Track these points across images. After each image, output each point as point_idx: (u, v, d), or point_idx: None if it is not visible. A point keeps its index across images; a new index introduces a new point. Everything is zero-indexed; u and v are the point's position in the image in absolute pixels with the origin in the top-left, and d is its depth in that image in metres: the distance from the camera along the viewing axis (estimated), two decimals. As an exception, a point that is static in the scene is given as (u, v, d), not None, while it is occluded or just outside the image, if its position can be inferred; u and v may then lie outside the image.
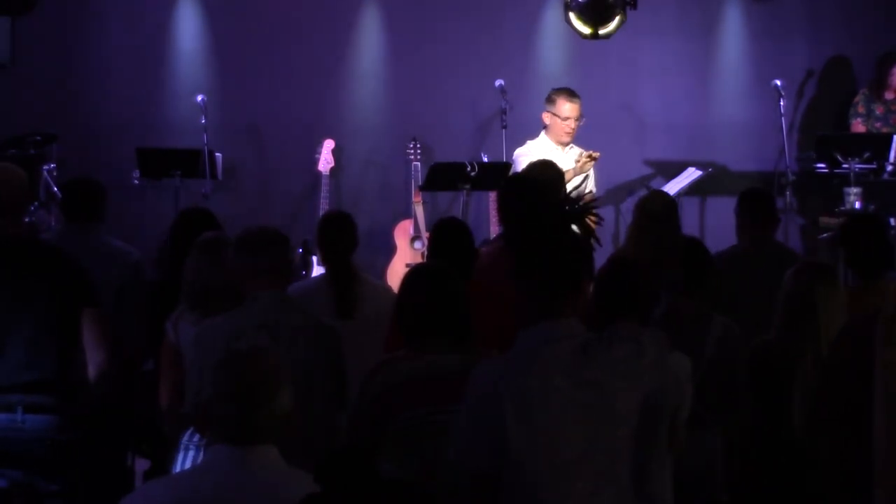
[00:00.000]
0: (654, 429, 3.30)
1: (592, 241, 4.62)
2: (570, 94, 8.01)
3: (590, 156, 7.75)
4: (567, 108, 7.94)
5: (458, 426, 3.19)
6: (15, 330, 4.38)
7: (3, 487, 4.35)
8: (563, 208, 3.29)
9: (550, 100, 8.03)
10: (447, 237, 5.00)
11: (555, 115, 7.96)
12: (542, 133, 8.03)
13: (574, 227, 4.49)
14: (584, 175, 7.81)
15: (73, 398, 4.46)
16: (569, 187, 6.51)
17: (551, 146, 7.92)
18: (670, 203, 6.04)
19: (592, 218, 4.71)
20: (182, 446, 4.47)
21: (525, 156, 7.77)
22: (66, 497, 4.41)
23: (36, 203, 7.54)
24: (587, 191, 7.51)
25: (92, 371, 4.52)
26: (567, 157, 7.79)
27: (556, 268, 3.20)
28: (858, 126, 9.15)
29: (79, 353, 4.50)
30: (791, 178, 8.71)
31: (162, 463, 4.91)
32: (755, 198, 6.04)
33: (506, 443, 3.09)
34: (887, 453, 2.95)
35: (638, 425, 3.23)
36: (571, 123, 7.93)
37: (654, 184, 9.14)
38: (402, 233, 8.77)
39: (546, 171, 5.92)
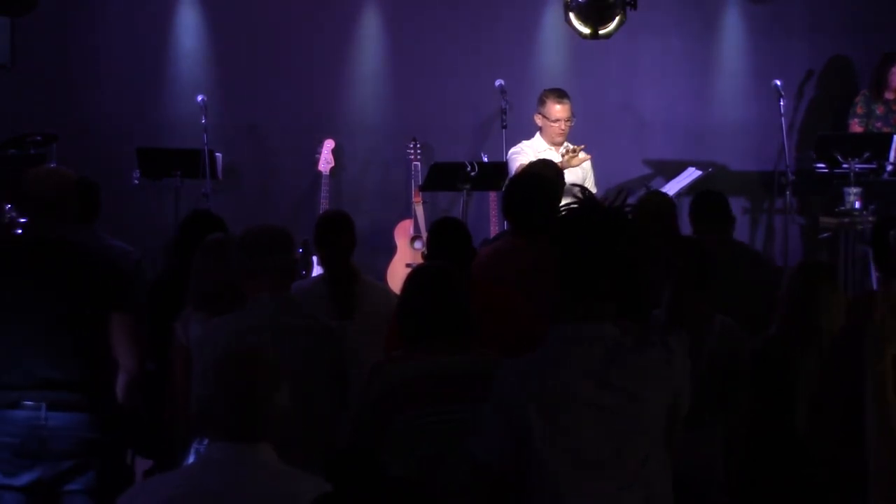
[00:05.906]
0: (667, 430, 3.30)
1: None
2: (559, 95, 7.99)
3: (574, 150, 7.69)
4: (556, 109, 7.93)
5: (480, 419, 3.21)
6: (40, 329, 4.36)
7: (24, 484, 4.34)
8: (619, 212, 3.26)
9: (541, 101, 8.03)
10: (445, 237, 5.00)
11: (545, 117, 7.96)
12: (538, 133, 8.04)
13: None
14: (583, 176, 7.81)
15: (102, 399, 4.44)
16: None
17: (545, 146, 7.92)
18: (667, 202, 6.05)
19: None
20: (193, 450, 4.45)
21: (519, 154, 7.78)
22: (87, 495, 4.40)
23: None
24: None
25: (121, 376, 4.50)
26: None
27: (590, 271, 3.19)
28: (855, 126, 9.14)
29: (110, 357, 4.48)
30: (791, 178, 8.70)
31: (165, 463, 4.90)
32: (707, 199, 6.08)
33: (529, 441, 3.10)
34: (880, 456, 2.96)
35: (661, 428, 3.23)
36: (562, 125, 7.92)
37: (654, 184, 9.13)
38: (402, 233, 8.77)
39: (546, 170, 5.95)
